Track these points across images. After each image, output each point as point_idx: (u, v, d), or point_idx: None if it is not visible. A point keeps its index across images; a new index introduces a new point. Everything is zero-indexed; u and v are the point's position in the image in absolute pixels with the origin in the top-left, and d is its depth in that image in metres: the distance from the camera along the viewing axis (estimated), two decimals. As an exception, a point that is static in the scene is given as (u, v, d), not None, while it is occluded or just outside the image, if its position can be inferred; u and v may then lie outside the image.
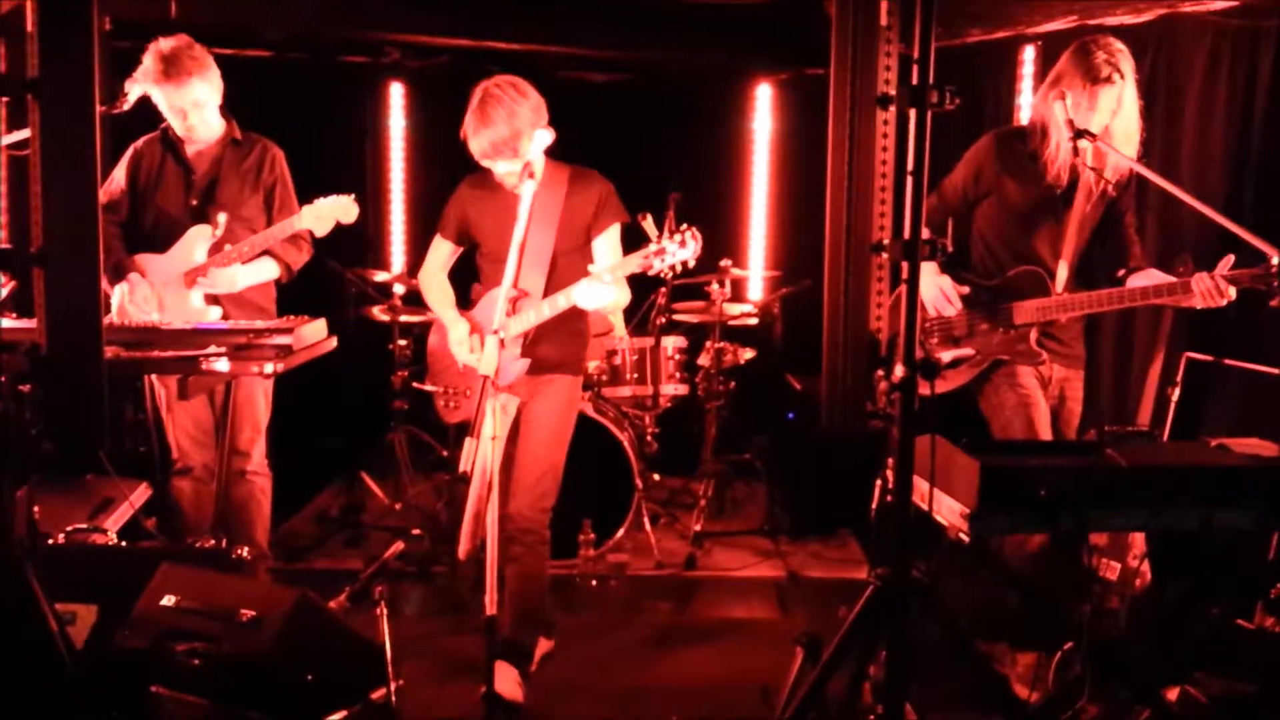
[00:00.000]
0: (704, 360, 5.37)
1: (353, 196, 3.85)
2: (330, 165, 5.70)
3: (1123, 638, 3.37)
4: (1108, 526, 3.36)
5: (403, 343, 5.39)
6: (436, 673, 3.68)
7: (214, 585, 2.89)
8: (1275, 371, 3.83)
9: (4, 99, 2.60)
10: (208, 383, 3.74)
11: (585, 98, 6.47)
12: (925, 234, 2.44)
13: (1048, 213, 3.56)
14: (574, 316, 3.54)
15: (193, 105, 3.78)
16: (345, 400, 5.91)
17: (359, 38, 6.08)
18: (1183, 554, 3.64)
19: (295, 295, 4.11)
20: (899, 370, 2.42)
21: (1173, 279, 3.35)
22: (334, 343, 3.73)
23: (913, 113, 2.39)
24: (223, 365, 3.30)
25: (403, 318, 5.26)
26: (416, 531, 4.87)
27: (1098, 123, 3.36)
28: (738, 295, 6.08)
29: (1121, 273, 3.57)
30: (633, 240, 3.67)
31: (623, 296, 3.58)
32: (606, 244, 3.56)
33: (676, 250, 3.20)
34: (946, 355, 3.63)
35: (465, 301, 3.76)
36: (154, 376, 3.94)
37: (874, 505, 3.28)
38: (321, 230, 3.85)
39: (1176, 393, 4.05)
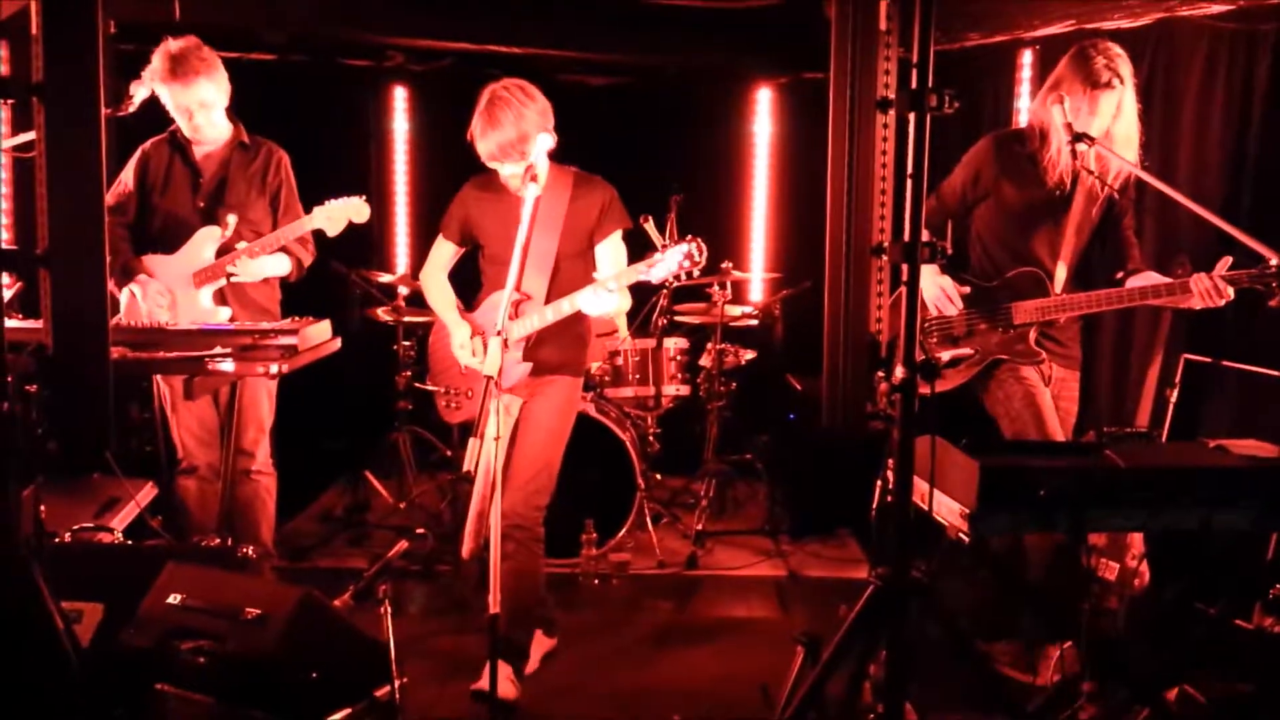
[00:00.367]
0: (705, 361, 5.39)
1: (363, 197, 3.88)
2: (334, 168, 5.72)
3: (1121, 638, 3.38)
4: (1107, 527, 3.37)
5: (406, 343, 5.41)
6: (440, 671, 3.69)
7: (219, 584, 2.91)
8: (1273, 373, 3.85)
9: (9, 101, 2.60)
10: (213, 383, 3.76)
11: (586, 101, 6.49)
12: (925, 236, 2.46)
13: (1046, 215, 3.58)
14: (575, 319, 3.55)
15: (199, 105, 3.80)
16: (349, 400, 5.93)
17: (362, 41, 6.10)
18: (1181, 554, 3.65)
19: (300, 296, 4.14)
20: (899, 371, 2.44)
21: (1171, 280, 3.37)
22: (338, 343, 3.75)
23: (912, 116, 2.40)
24: (228, 366, 3.32)
25: (407, 319, 5.28)
26: (420, 531, 4.83)
27: (1098, 127, 3.37)
28: (739, 297, 6.10)
29: (1120, 275, 3.59)
30: (634, 242, 3.70)
31: (624, 302, 3.60)
32: (609, 250, 3.58)
33: (683, 261, 3.22)
34: (945, 355, 3.65)
35: (468, 304, 3.78)
36: (159, 376, 3.96)
37: (874, 505, 3.30)
38: (333, 230, 3.87)
39: (1175, 394, 4.07)
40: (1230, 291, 3.23)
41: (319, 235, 3.95)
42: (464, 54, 6.10)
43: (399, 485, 5.54)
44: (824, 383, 2.60)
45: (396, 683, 2.93)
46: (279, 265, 3.99)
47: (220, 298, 3.90)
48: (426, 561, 4.66)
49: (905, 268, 2.45)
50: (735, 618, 4.39)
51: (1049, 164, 3.49)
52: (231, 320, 3.85)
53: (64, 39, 2.47)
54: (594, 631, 4.15)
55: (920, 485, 2.60)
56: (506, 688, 3.47)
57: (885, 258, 2.52)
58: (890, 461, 2.53)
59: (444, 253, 3.77)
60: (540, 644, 3.82)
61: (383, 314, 5.35)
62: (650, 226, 4.66)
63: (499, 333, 3.02)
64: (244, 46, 5.67)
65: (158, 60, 3.75)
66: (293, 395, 4.17)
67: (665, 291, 5.21)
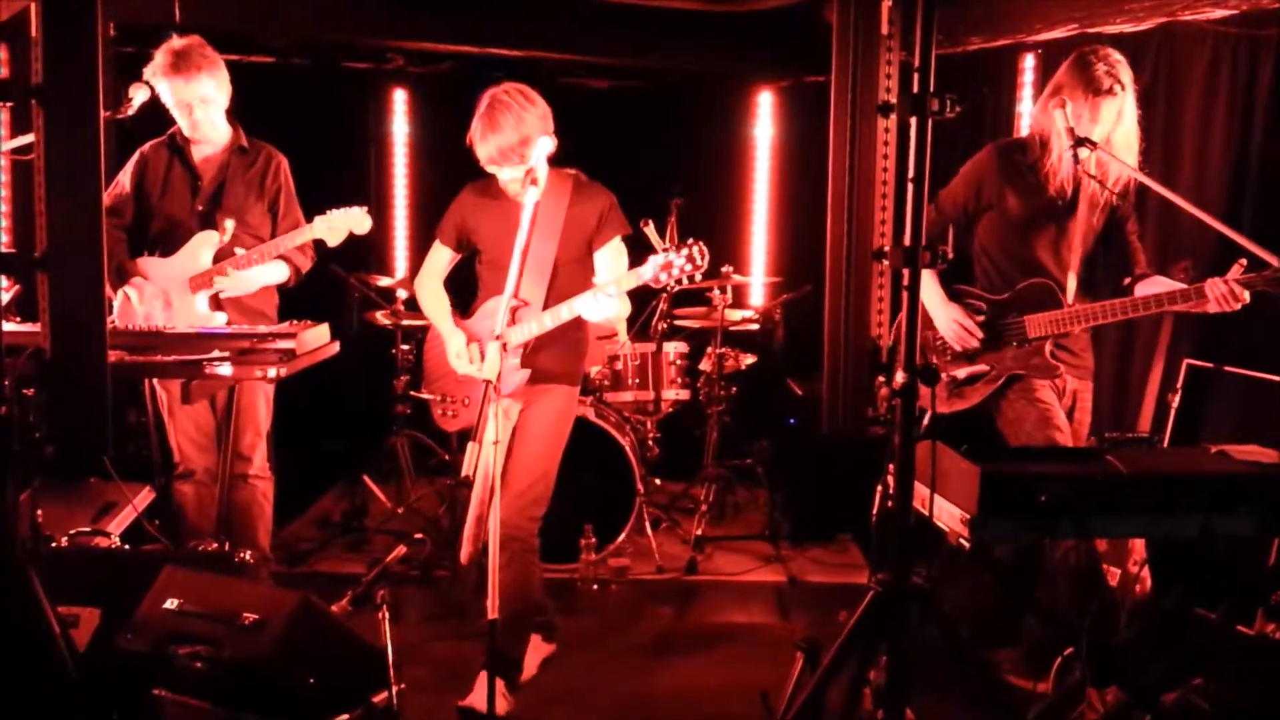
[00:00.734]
0: (705, 365, 5.38)
1: (365, 208, 3.86)
2: (334, 171, 5.74)
3: (1123, 643, 3.37)
4: (1108, 533, 3.36)
5: (405, 347, 5.41)
6: (438, 676, 3.68)
7: (216, 589, 2.90)
8: (1275, 378, 3.84)
9: (8, 104, 2.59)
10: (210, 387, 3.75)
11: (587, 104, 6.49)
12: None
13: (1051, 224, 3.56)
14: (573, 327, 3.54)
15: (199, 101, 3.80)
16: (348, 404, 5.93)
17: (362, 44, 6.10)
18: (1183, 560, 3.64)
19: (298, 300, 4.13)
20: (899, 376, 2.43)
21: (1186, 286, 3.33)
22: (336, 347, 3.74)
23: (913, 120, 2.39)
24: (225, 369, 3.31)
25: (405, 323, 5.27)
26: (419, 536, 4.87)
27: (1099, 134, 3.36)
28: (739, 301, 6.10)
29: (1128, 281, 3.57)
30: (635, 246, 3.69)
31: (624, 308, 3.59)
32: (608, 256, 3.57)
33: (685, 265, 3.20)
34: (961, 372, 3.63)
35: (465, 310, 3.76)
36: (156, 380, 3.95)
37: (875, 511, 3.29)
38: (334, 240, 3.86)
39: (1177, 399, 4.06)
40: (1246, 295, 3.21)
41: (319, 241, 3.93)
42: (464, 57, 6.11)
43: (397, 490, 5.53)
44: (824, 387, 2.60)
45: (394, 688, 2.92)
46: (275, 274, 3.97)
47: (216, 302, 3.89)
48: (425, 566, 4.65)
49: (906, 272, 2.44)
50: (735, 623, 4.38)
51: (1050, 171, 3.48)
52: (228, 324, 3.84)
53: (64, 41, 2.47)
54: (593, 637, 4.14)
55: (921, 491, 2.59)
56: (498, 702, 3.42)
57: (886, 262, 2.51)
58: (891, 467, 2.52)
59: (440, 259, 3.75)
60: (539, 650, 3.81)
61: (381, 318, 5.35)
62: (651, 230, 4.66)
63: (497, 337, 3.01)
64: (244, 49, 5.68)
65: (160, 56, 3.75)
66: (291, 399, 4.16)
67: (665, 295, 5.21)
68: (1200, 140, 4.39)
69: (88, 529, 3.49)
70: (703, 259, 3.21)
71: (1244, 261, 3.22)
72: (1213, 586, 3.42)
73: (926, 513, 2.67)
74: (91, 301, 2.55)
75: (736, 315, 5.46)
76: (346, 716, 2.79)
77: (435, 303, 3.73)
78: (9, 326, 3.01)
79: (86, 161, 2.50)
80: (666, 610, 4.49)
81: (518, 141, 3.33)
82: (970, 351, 3.62)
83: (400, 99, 6.62)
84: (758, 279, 6.61)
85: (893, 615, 2.50)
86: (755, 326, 5.70)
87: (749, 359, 5.48)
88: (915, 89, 2.38)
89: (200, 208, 3.92)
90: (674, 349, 5.29)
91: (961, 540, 2.62)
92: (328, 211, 3.85)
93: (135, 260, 3.90)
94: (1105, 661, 3.02)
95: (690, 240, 3.22)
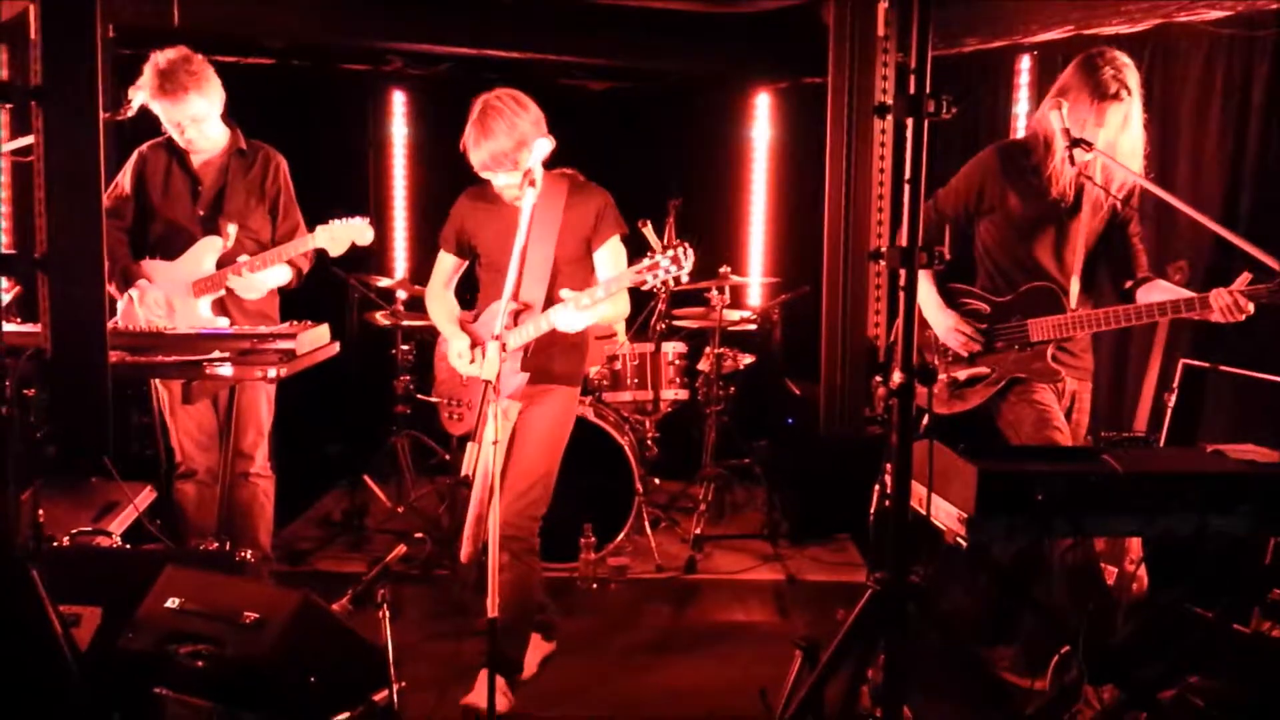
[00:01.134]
0: (704, 365, 5.39)
1: (368, 219, 3.87)
2: (332, 172, 5.75)
3: (1120, 642, 3.38)
4: (1105, 531, 3.37)
5: (405, 347, 5.42)
6: (438, 675, 3.69)
7: (217, 587, 2.90)
8: (1270, 378, 3.85)
9: (8, 105, 2.61)
10: (211, 387, 3.77)
11: (585, 105, 6.51)
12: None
13: (1054, 226, 3.54)
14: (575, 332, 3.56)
15: (190, 120, 3.80)
16: (348, 404, 5.94)
17: (361, 46, 6.10)
18: (1179, 559, 3.65)
19: (299, 300, 4.14)
20: (897, 376, 2.44)
21: (1191, 295, 3.32)
22: (337, 348, 3.75)
23: (910, 122, 2.41)
24: (226, 370, 3.32)
25: (405, 323, 5.28)
26: (419, 535, 4.89)
27: (1104, 139, 3.32)
28: (737, 301, 6.11)
29: (1129, 284, 3.56)
30: (634, 246, 3.69)
31: (622, 308, 3.60)
32: (607, 256, 3.57)
33: (670, 266, 3.19)
34: (962, 374, 3.63)
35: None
36: (158, 380, 3.96)
37: (872, 510, 3.30)
38: (336, 250, 3.87)
39: (1173, 399, 4.06)
40: (1250, 307, 3.20)
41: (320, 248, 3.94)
42: (463, 58, 6.12)
43: (397, 489, 5.54)
44: (822, 387, 2.61)
45: (394, 687, 2.93)
46: (280, 276, 3.99)
47: (219, 307, 3.90)
48: (425, 566, 4.66)
49: (903, 273, 2.45)
50: (734, 622, 4.39)
51: (1054, 174, 3.46)
52: (233, 327, 3.85)
53: (63, 43, 2.48)
54: (592, 636, 4.15)
55: (918, 490, 2.60)
56: (498, 700, 3.43)
57: (883, 263, 2.52)
58: (888, 466, 2.54)
59: (445, 266, 3.76)
60: (538, 648, 3.82)
61: (381, 318, 5.36)
62: (649, 231, 4.66)
63: (496, 337, 3.02)
64: (242, 51, 5.68)
65: (147, 74, 3.74)
66: (291, 399, 4.17)
67: (663, 296, 5.22)
68: (1196, 141, 4.40)
69: (89, 528, 3.50)
70: (687, 259, 3.20)
71: (1249, 274, 3.20)
72: (1209, 585, 3.43)
73: (924, 512, 2.68)
74: (92, 302, 2.56)
75: (735, 315, 5.47)
76: (347, 715, 2.80)
77: (441, 309, 3.76)
78: (9, 327, 3.02)
79: (86, 163, 2.51)
80: (665, 609, 4.50)
81: (511, 147, 3.34)
82: (971, 354, 3.62)
83: (399, 100, 6.63)
84: (756, 279, 6.62)
85: (891, 614, 2.52)
86: (753, 326, 5.71)
87: (747, 359, 5.49)
88: (912, 90, 2.39)
89: (202, 212, 3.93)
90: (672, 349, 5.30)
91: (959, 539, 2.63)
92: (330, 221, 3.85)
93: (139, 263, 3.91)
94: (1102, 659, 3.03)
95: (676, 242, 3.22)
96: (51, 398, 2.58)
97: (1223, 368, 3.99)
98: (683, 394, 5.33)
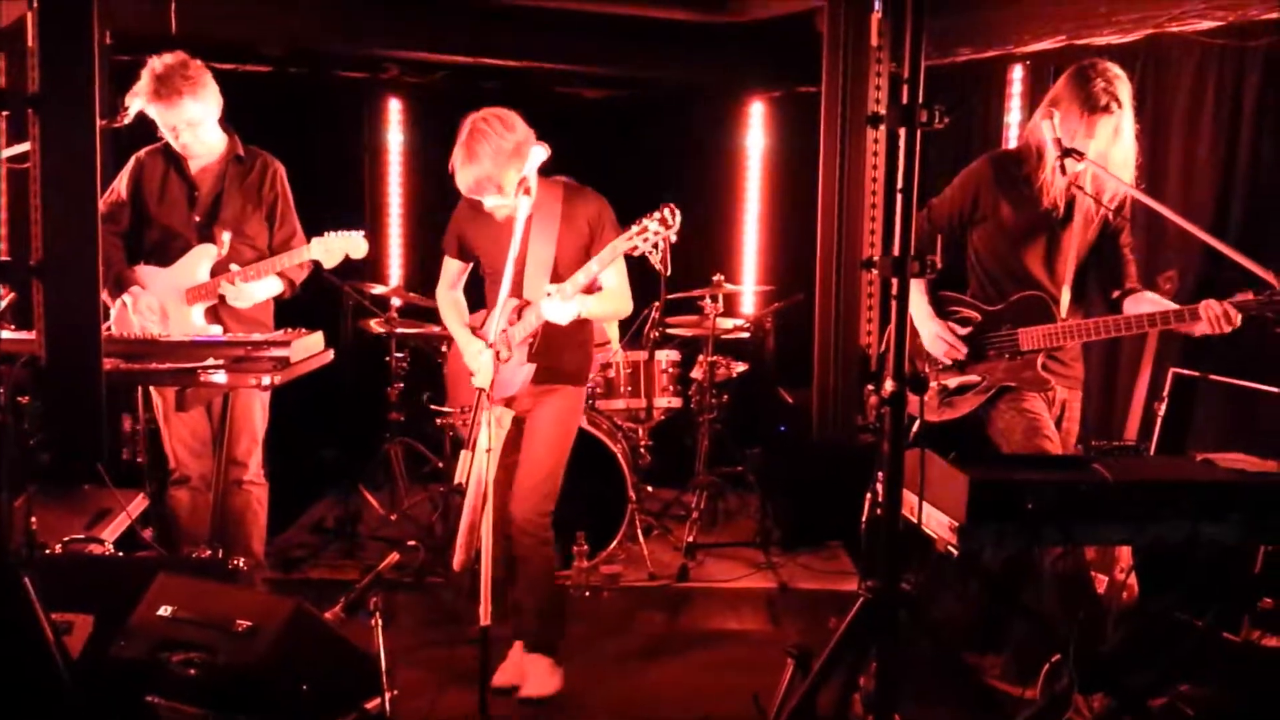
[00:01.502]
0: (697, 373, 5.40)
1: (363, 233, 3.87)
2: (328, 179, 5.75)
3: (1110, 650, 3.39)
4: (1095, 540, 3.37)
5: (399, 355, 5.41)
6: (431, 683, 3.68)
7: (210, 595, 2.91)
8: (1260, 387, 3.86)
9: (5, 112, 2.61)
10: (205, 394, 3.77)
11: (580, 113, 6.51)
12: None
13: (1046, 236, 3.55)
14: (578, 328, 3.60)
15: (186, 124, 3.80)
16: (342, 412, 5.94)
17: (358, 53, 6.12)
18: (1170, 567, 3.67)
19: (293, 308, 4.14)
20: (889, 385, 2.45)
21: (1179, 307, 3.33)
22: (331, 355, 3.75)
23: (902, 131, 2.42)
24: (220, 377, 3.32)
25: (399, 330, 5.28)
26: (412, 542, 4.88)
27: (1095, 150, 3.33)
28: (730, 309, 6.12)
29: (1116, 294, 3.57)
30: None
31: (621, 305, 3.65)
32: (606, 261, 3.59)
33: (658, 228, 3.24)
34: (952, 382, 3.64)
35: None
36: (152, 387, 3.96)
37: (864, 518, 3.30)
38: (330, 262, 3.88)
39: (1163, 408, 4.07)
40: (1238, 319, 3.21)
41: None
42: (459, 66, 6.13)
43: (390, 497, 5.53)
44: (815, 395, 2.62)
45: (387, 695, 2.93)
46: (272, 287, 3.98)
47: (213, 315, 3.90)
48: (418, 573, 4.65)
49: (895, 281, 2.46)
50: (726, 630, 4.40)
51: (1045, 184, 3.48)
52: (224, 334, 3.85)
53: (60, 50, 2.49)
54: (585, 644, 4.14)
55: (910, 498, 2.61)
56: (552, 680, 3.63)
57: (876, 271, 2.53)
58: (880, 474, 2.54)
59: (451, 270, 3.80)
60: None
61: (375, 326, 5.35)
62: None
63: (490, 345, 3.03)
64: (239, 58, 5.68)
65: (143, 79, 3.74)
66: (285, 406, 4.17)
67: (657, 304, 5.23)
68: (1187, 151, 4.42)
69: (82, 536, 3.50)
70: (674, 219, 3.24)
71: (1251, 294, 3.19)
72: (1199, 593, 3.45)
73: (915, 520, 2.69)
74: (87, 309, 2.56)
75: (728, 323, 5.48)
76: (339, 722, 2.81)
77: (452, 312, 3.80)
78: (4, 334, 3.02)
79: (82, 170, 2.51)
80: (658, 617, 4.50)
81: (495, 172, 3.36)
82: (961, 361, 3.64)
83: (395, 108, 6.64)
84: (749, 287, 6.64)
85: (882, 621, 2.52)
86: (746, 335, 5.71)
87: (740, 367, 5.50)
88: (905, 100, 2.40)
89: (197, 219, 3.92)
90: (666, 357, 5.30)
91: (950, 547, 2.64)
92: (325, 234, 3.86)
93: (133, 269, 3.91)
94: (1092, 668, 3.04)
95: (661, 204, 3.25)
96: (46, 405, 2.58)
97: (1213, 377, 4.00)
98: (676, 402, 5.33)
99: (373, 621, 3.01)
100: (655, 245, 3.28)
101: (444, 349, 5.26)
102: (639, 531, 5.00)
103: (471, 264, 3.78)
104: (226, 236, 3.87)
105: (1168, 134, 4.46)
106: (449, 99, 6.40)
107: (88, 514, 3.72)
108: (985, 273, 3.67)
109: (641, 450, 5.29)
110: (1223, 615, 3.39)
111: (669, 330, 5.47)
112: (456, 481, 2.95)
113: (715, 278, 5.29)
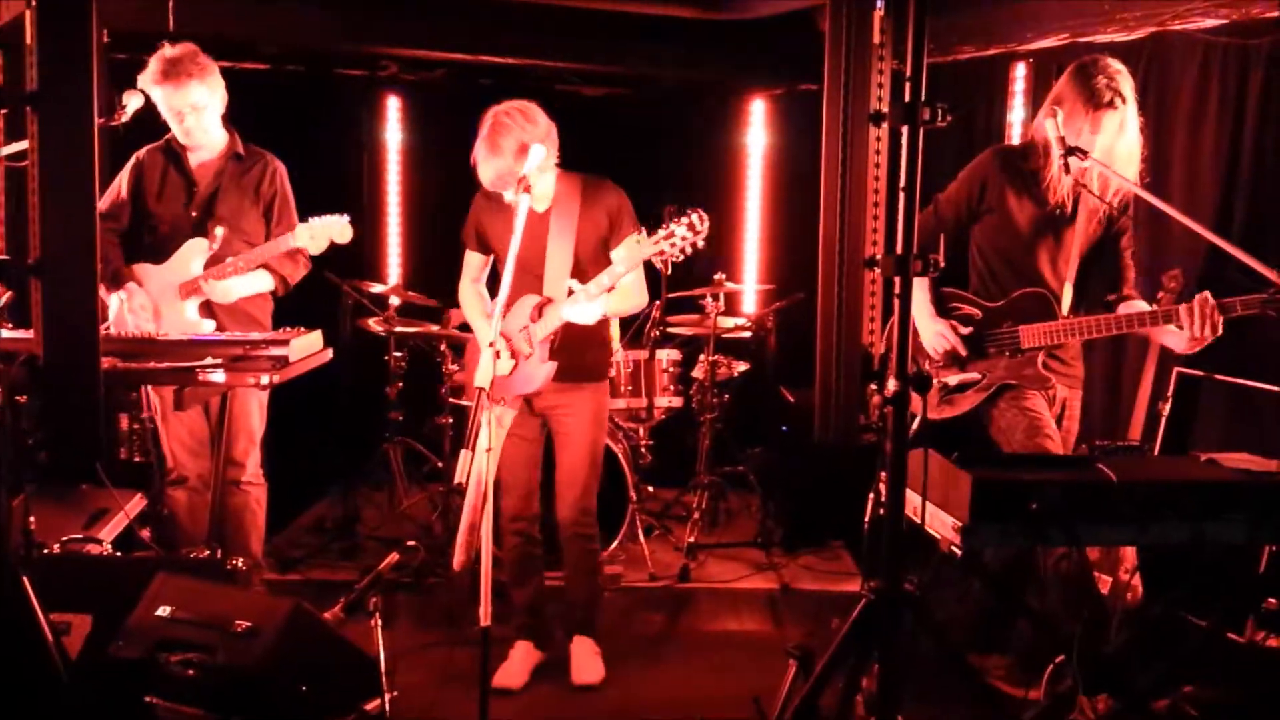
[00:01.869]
0: (698, 373, 5.39)
1: (348, 218, 3.84)
2: (327, 177, 5.73)
3: (1114, 651, 3.38)
4: (1099, 540, 3.36)
5: (398, 354, 5.40)
6: (430, 683, 3.68)
7: (209, 596, 2.89)
8: (1265, 387, 3.85)
9: (3, 110, 2.60)
10: (204, 394, 3.75)
11: (580, 111, 6.48)
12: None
13: (1050, 232, 3.54)
14: (598, 324, 3.62)
15: (190, 108, 3.80)
16: (341, 411, 5.92)
17: (356, 51, 6.11)
18: (1174, 568, 3.66)
19: (292, 307, 4.12)
20: (891, 384, 2.44)
21: (1159, 309, 3.33)
22: (330, 354, 3.74)
23: (905, 129, 2.40)
24: (219, 376, 3.31)
25: (398, 329, 5.27)
26: (411, 543, 4.83)
27: (1100, 146, 3.33)
28: (732, 308, 6.11)
29: (1112, 298, 3.57)
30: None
31: (638, 299, 3.69)
32: (624, 255, 3.58)
33: (686, 233, 3.26)
34: (952, 379, 3.63)
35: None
36: (150, 386, 3.94)
37: (867, 518, 3.29)
38: (316, 249, 3.86)
39: (1167, 407, 4.06)
40: (1220, 326, 3.19)
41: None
42: (457, 64, 6.12)
43: (390, 497, 5.53)
44: (817, 395, 2.60)
45: (386, 696, 2.92)
46: (257, 284, 3.94)
47: (207, 310, 3.88)
48: (417, 574, 4.64)
49: (898, 280, 2.45)
50: (728, 631, 4.39)
51: (1051, 182, 3.47)
52: (220, 331, 3.83)
53: (59, 49, 2.48)
54: (586, 644, 4.13)
55: (913, 498, 2.60)
56: (599, 666, 3.81)
57: (878, 270, 2.52)
58: (883, 474, 2.53)
59: (473, 263, 3.82)
60: (530, 657, 3.82)
61: (374, 325, 5.34)
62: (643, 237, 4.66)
63: (491, 344, 3.02)
64: (237, 56, 5.67)
65: (153, 63, 3.76)
66: (284, 406, 4.15)
67: (658, 303, 5.22)
68: (1190, 149, 4.41)
69: (79, 536, 3.48)
70: (703, 224, 3.27)
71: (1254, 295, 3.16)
72: (1203, 594, 3.43)
73: (918, 520, 2.67)
74: (85, 308, 2.55)
75: (729, 322, 5.47)
76: (339, 724, 2.79)
77: (474, 306, 3.82)
78: (2, 333, 3.01)
79: (80, 168, 2.51)
80: (659, 617, 4.49)
81: (518, 166, 3.36)
82: (961, 359, 3.62)
83: (393, 106, 6.63)
84: (750, 286, 6.62)
85: (885, 622, 2.51)
86: (748, 334, 5.70)
87: (741, 366, 5.49)
88: (907, 98, 2.39)
89: (194, 214, 3.92)
90: (666, 356, 5.29)
91: (953, 548, 2.63)
92: (309, 219, 3.85)
93: (131, 266, 3.89)
94: (1096, 669, 3.03)
95: (689, 209, 3.25)
96: (43, 404, 2.57)
97: (1217, 377, 3.99)
98: (677, 401, 5.32)
99: (372, 622, 3.00)
100: (683, 251, 3.29)
101: (442, 348, 5.26)
102: (640, 531, 4.99)
103: (492, 256, 3.78)
104: (220, 231, 3.85)
105: (1171, 132, 4.45)
106: (447, 97, 6.40)
107: (86, 514, 3.70)
108: (987, 268, 3.66)
109: (642, 450, 5.28)
110: (1227, 616, 3.38)
111: (670, 329, 5.47)
112: (456, 481, 2.93)
113: (716, 276, 5.28)
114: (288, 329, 3.61)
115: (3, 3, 4.00)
